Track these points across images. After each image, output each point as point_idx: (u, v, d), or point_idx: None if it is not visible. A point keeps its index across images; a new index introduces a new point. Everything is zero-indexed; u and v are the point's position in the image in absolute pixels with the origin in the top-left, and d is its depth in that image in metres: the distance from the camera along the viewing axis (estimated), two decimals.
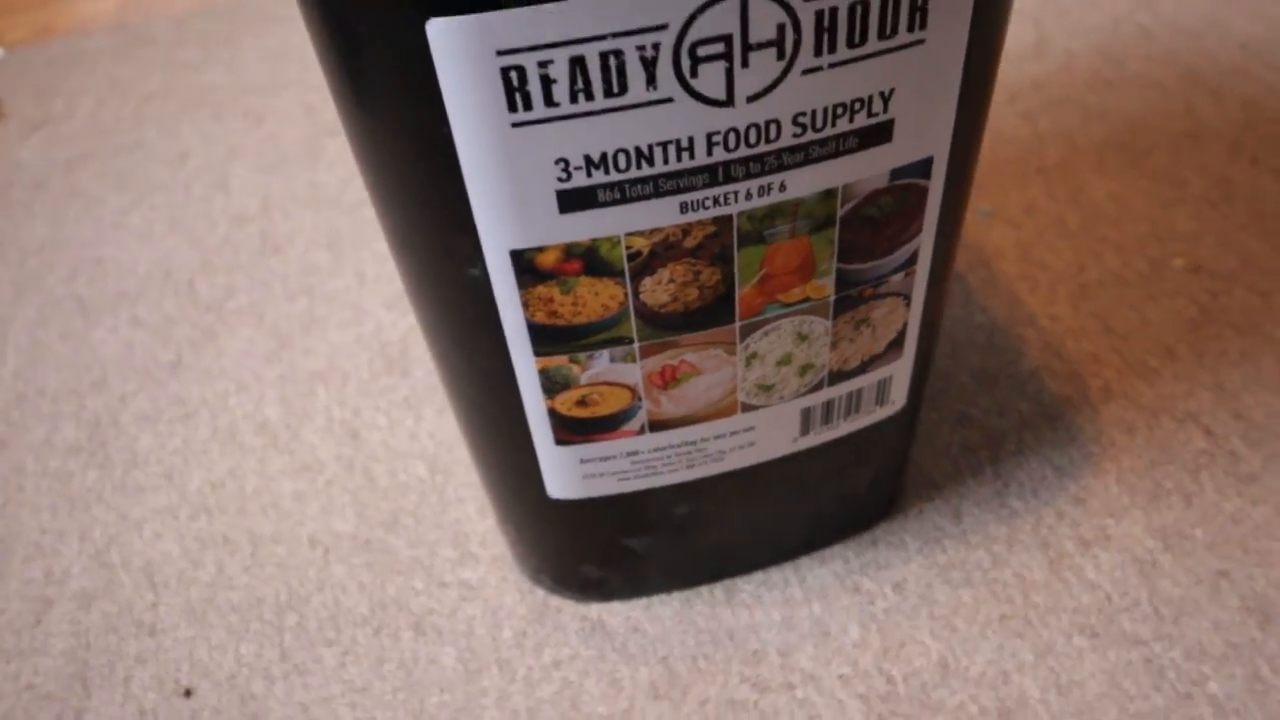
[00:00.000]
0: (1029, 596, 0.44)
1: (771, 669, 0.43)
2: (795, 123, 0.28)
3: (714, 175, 0.29)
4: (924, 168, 0.31)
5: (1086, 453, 0.49)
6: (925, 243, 0.34)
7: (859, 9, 0.26)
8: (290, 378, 0.58)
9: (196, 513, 0.52)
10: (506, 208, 0.28)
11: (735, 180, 0.29)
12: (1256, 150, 0.67)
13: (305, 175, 0.75)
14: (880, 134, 0.30)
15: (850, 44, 0.27)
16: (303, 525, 0.50)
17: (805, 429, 0.39)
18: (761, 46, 0.26)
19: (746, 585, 0.46)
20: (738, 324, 0.33)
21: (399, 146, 0.28)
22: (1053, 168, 0.67)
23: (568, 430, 0.36)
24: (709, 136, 0.28)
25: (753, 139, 0.28)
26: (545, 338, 0.32)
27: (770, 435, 0.38)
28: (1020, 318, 0.56)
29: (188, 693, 0.44)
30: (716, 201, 0.29)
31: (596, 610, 0.45)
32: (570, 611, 0.45)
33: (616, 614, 0.45)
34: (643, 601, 0.45)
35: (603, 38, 0.25)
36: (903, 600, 0.44)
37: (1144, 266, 0.59)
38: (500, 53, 0.25)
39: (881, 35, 0.27)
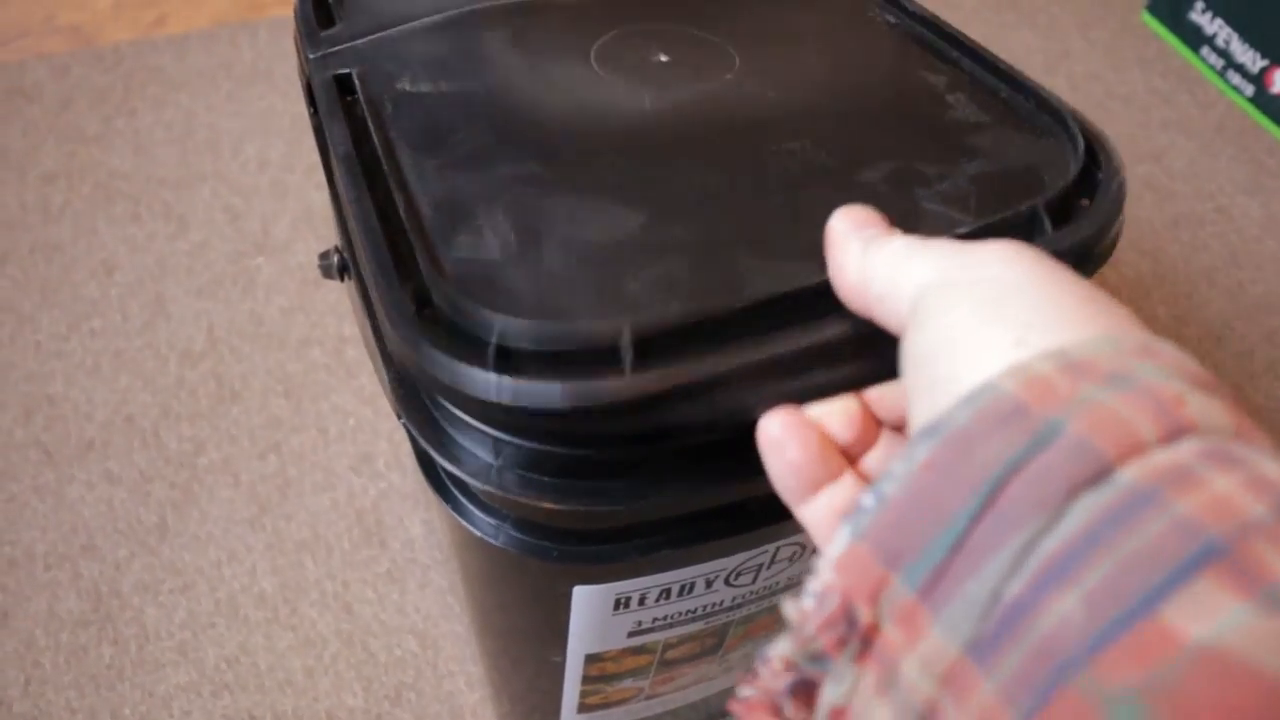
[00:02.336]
0: None
1: None
2: (789, 580, 0.42)
3: (730, 611, 0.42)
4: None
5: None
6: None
7: None
8: (277, 547, 0.67)
9: (219, 690, 0.61)
10: (594, 638, 0.41)
11: (741, 609, 0.42)
12: None
13: (244, 304, 0.80)
14: None
15: None
16: (319, 701, 0.61)
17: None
18: (779, 562, 0.39)
19: None
20: (721, 654, 0.47)
21: (527, 618, 0.40)
22: None
23: (589, 709, 0.49)
24: (734, 598, 0.41)
25: (758, 598, 0.41)
26: (592, 680, 0.45)
27: (722, 684, 0.53)
28: None
29: None
30: (726, 618, 0.43)
31: None
32: None
33: None
34: None
35: (684, 579, 0.37)
36: None
37: None
38: (617, 594, 0.37)
39: None
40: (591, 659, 0.42)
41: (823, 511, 0.24)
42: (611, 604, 0.37)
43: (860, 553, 0.18)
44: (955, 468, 0.17)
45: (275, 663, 0.62)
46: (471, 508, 0.33)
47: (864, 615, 0.18)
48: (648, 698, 0.50)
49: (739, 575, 0.39)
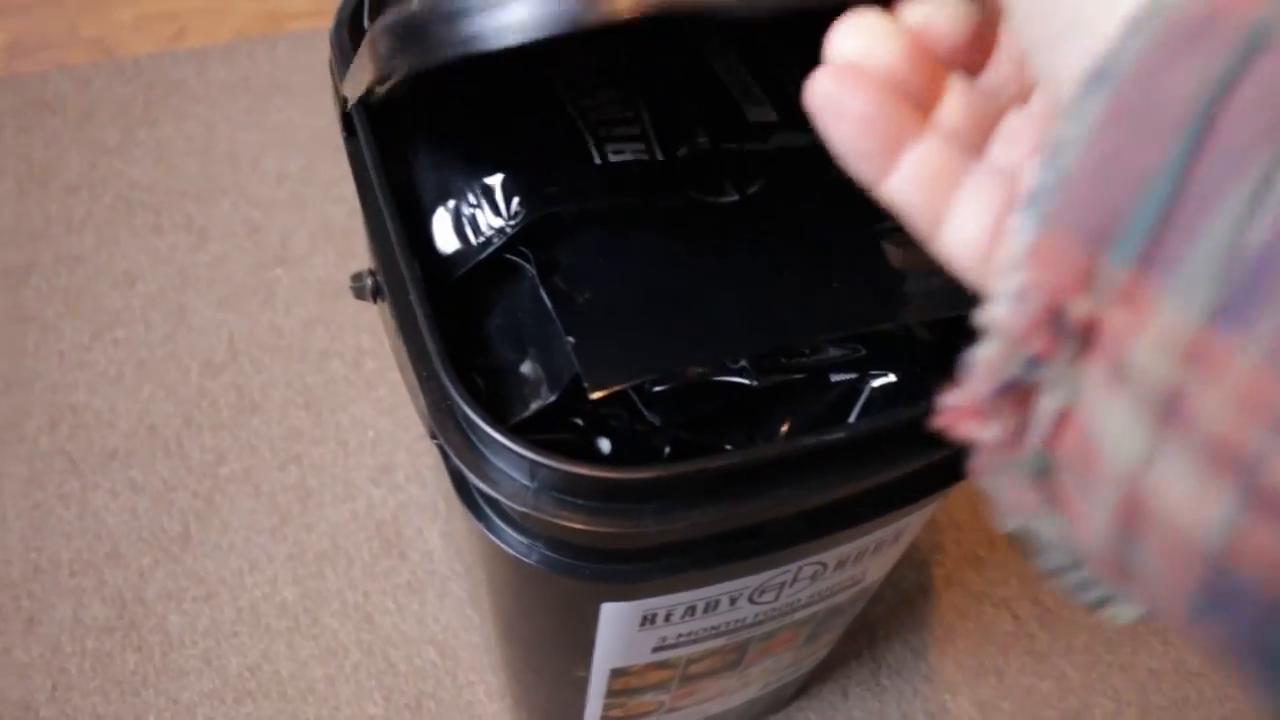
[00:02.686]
0: None
1: None
2: (810, 597, 0.42)
3: (752, 627, 0.43)
4: (874, 585, 0.47)
5: (934, 636, 0.68)
6: (860, 603, 0.50)
7: (867, 549, 0.40)
8: (299, 557, 0.68)
9: (241, 697, 0.62)
10: (620, 654, 0.41)
11: (762, 625, 0.43)
12: None
13: (264, 315, 0.81)
14: (855, 584, 0.44)
15: (853, 564, 0.41)
16: (340, 710, 0.62)
17: (762, 690, 0.55)
18: (801, 580, 0.40)
19: None
20: (741, 668, 0.48)
21: (555, 633, 0.41)
22: None
23: None
24: (756, 615, 0.42)
25: (780, 614, 0.42)
26: (615, 694, 0.46)
27: (739, 697, 0.54)
28: None
29: None
30: (748, 634, 0.44)
31: None
32: None
33: None
34: None
35: (709, 596, 0.38)
36: None
37: None
38: (645, 610, 0.38)
39: (874, 554, 0.42)
40: (616, 673, 0.43)
41: (920, 176, 0.20)
42: (639, 620, 0.38)
43: (1053, 240, 0.15)
44: (1145, 113, 0.14)
45: (297, 671, 0.63)
46: (504, 526, 0.34)
47: (1076, 308, 0.15)
48: (668, 711, 0.51)
49: (762, 593, 0.39)
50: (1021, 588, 0.70)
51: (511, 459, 0.29)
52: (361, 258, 0.85)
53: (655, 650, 0.42)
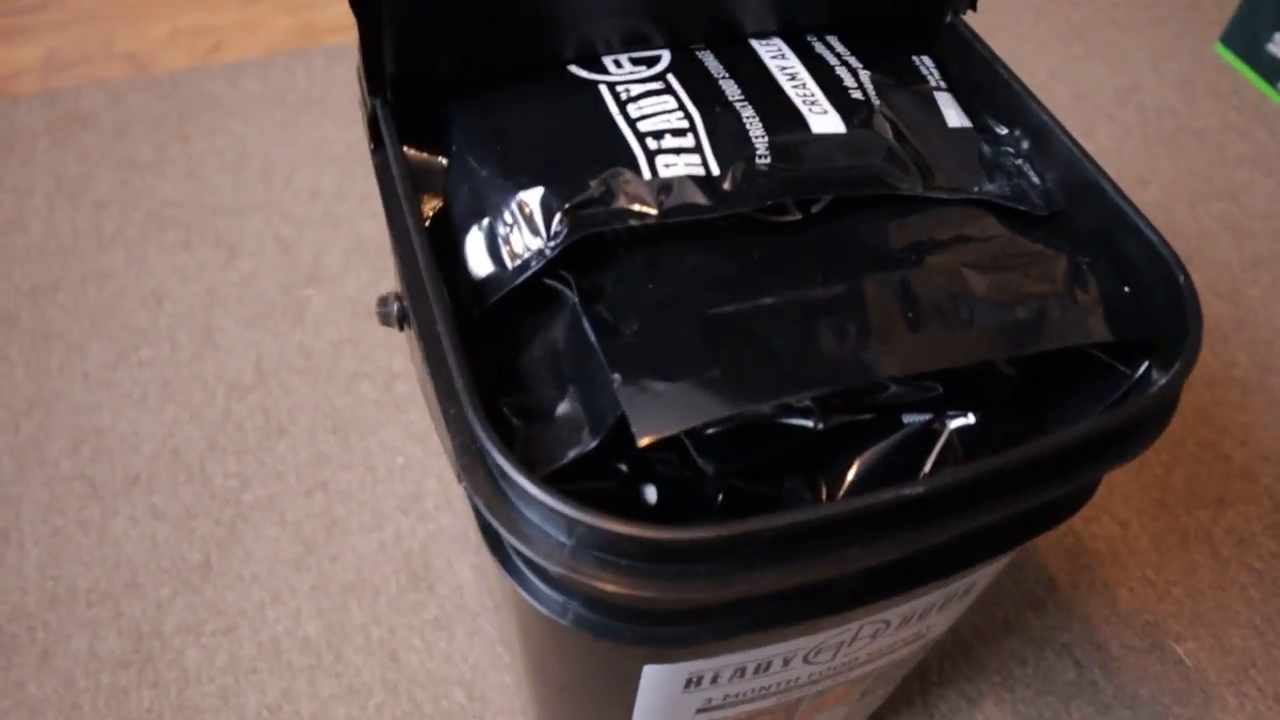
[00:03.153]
0: None
1: None
2: (869, 655, 0.39)
3: (805, 687, 0.39)
4: (937, 639, 0.43)
5: (990, 683, 0.63)
6: (920, 655, 0.46)
7: (935, 604, 0.37)
8: (323, 589, 0.65)
9: None
10: (660, 716, 0.38)
11: (816, 684, 0.39)
12: None
13: (294, 335, 0.79)
14: (918, 639, 0.41)
15: (918, 620, 0.37)
16: None
17: None
18: (861, 639, 0.36)
19: None
20: None
21: (590, 694, 0.37)
22: None
23: None
24: (810, 675, 0.38)
25: (835, 674, 0.38)
26: None
27: None
28: None
29: None
30: (799, 694, 0.40)
31: None
32: None
33: None
34: None
35: (761, 658, 0.35)
36: None
37: None
38: (690, 673, 0.34)
39: (941, 609, 0.38)
40: None
41: None
42: (683, 683, 0.35)
43: None
44: None
45: (318, 711, 0.60)
46: (537, 581, 0.31)
47: None
48: None
49: (818, 652, 0.36)
50: (1084, 632, 0.66)
51: (546, 513, 0.26)
52: (394, 277, 0.83)
53: (699, 712, 0.38)
